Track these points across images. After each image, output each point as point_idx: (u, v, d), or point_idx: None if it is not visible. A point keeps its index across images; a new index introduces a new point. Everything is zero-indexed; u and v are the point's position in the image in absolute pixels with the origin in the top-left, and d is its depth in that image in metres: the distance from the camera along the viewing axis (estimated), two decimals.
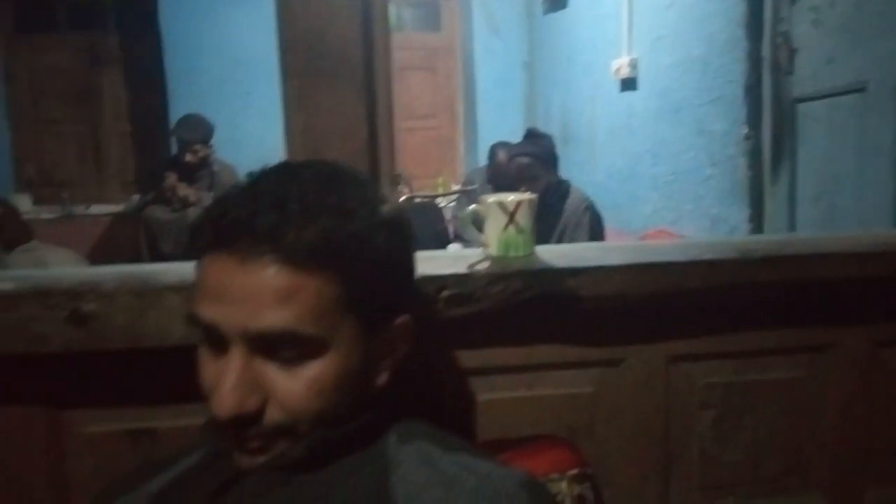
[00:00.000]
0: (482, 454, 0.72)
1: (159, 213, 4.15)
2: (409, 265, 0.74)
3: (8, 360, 0.92)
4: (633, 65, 3.29)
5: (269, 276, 0.61)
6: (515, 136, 3.28)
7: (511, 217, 1.03)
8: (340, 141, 0.91)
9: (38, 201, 5.16)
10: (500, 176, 3.59)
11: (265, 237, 0.61)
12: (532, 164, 2.87)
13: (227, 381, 0.62)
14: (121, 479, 0.79)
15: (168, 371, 0.98)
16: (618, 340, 1.08)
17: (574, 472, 0.89)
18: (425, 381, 0.95)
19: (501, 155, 3.70)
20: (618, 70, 3.43)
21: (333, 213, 0.64)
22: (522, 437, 0.96)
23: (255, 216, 0.61)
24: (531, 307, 0.99)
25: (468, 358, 1.06)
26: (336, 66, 0.94)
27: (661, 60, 3.01)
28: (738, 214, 2.55)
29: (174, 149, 4.51)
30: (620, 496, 1.11)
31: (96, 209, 5.11)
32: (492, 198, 1.05)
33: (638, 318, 1.05)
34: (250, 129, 4.80)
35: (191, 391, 0.98)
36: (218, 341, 0.64)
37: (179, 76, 4.96)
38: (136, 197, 4.91)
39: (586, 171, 3.70)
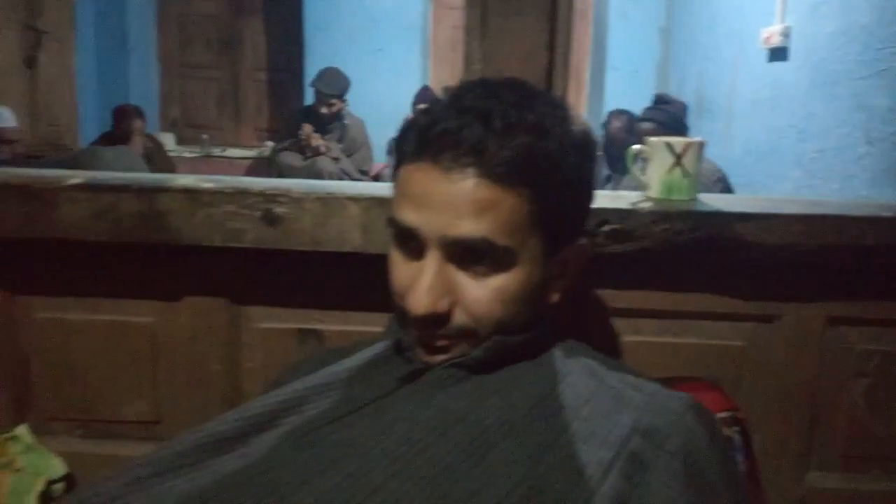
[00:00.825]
0: (644, 376, 0.74)
1: (291, 159, 4.36)
2: (592, 189, 0.76)
3: (203, 253, 1.02)
4: (786, 33, 3.10)
5: (470, 187, 0.64)
6: (644, 105, 3.18)
7: (678, 159, 1.02)
8: (520, 67, 0.93)
9: (180, 141, 5.54)
10: (611, 144, 3.51)
11: (469, 150, 0.64)
12: (655, 131, 2.79)
13: (424, 281, 0.66)
14: (305, 359, 0.87)
15: (340, 277, 1.06)
16: (775, 296, 1.05)
17: (725, 414, 0.89)
18: (572, 312, 0.97)
19: (616, 123, 3.59)
20: (767, 39, 3.24)
21: (531, 130, 0.66)
22: (672, 377, 0.96)
23: (461, 130, 0.64)
24: (691, 251, 0.99)
25: (616, 298, 1.07)
26: None
27: (820, 29, 2.82)
28: (892, 198, 2.37)
29: (308, 99, 4.71)
30: (759, 455, 1.09)
31: (232, 152, 5.43)
32: (659, 139, 1.05)
33: (801, 273, 1.03)
34: (379, 85, 4.92)
35: (358, 299, 1.06)
36: (413, 245, 0.69)
37: (317, 29, 5.13)
38: (268, 143, 5.17)
39: (721, 145, 3.55)
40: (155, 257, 1.05)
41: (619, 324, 1.09)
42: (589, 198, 0.76)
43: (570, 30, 0.97)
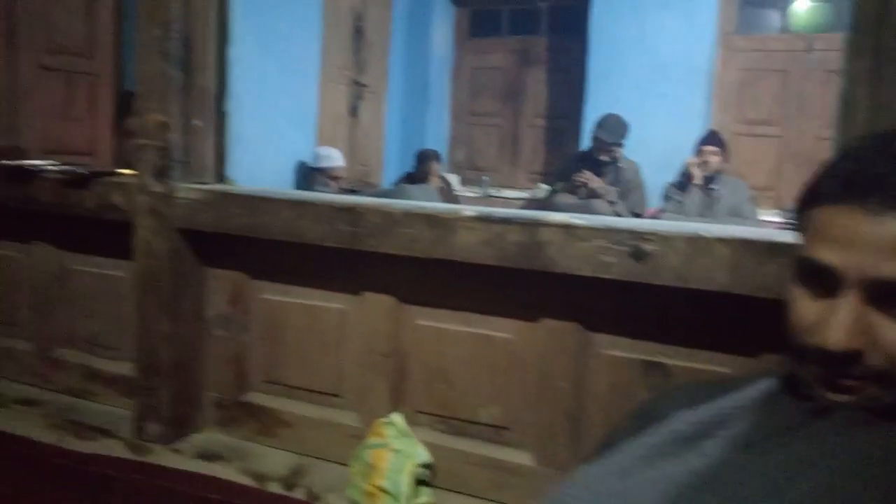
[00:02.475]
0: None
1: (566, 200, 4.52)
2: None
3: (566, 280, 1.14)
4: None
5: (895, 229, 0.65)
6: None
7: None
8: None
9: (464, 182, 6.04)
10: None
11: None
12: None
13: (841, 318, 0.68)
14: (670, 392, 0.93)
15: (694, 315, 1.10)
16: None
17: None
18: None
19: None
20: None
21: None
22: None
23: (891, 175, 0.66)
24: None
25: None
26: None
27: None
28: None
29: (585, 143, 4.85)
30: None
31: (508, 193, 5.77)
32: None
33: None
34: (657, 129, 4.89)
35: (708, 337, 1.10)
36: (825, 284, 0.71)
37: (600, 77, 5.27)
38: (541, 185, 5.41)
39: None
40: (522, 281, 1.20)
41: None
42: None
43: None
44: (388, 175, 5.73)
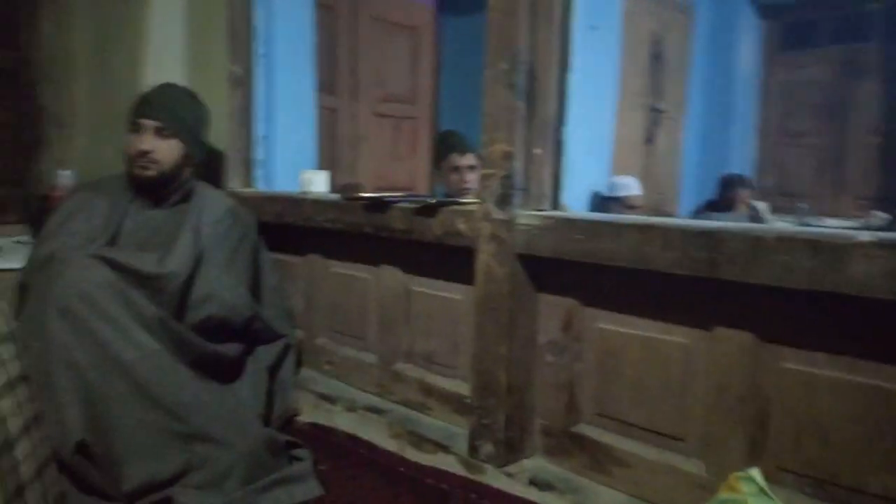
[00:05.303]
0: None
1: None
2: None
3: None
4: None
5: None
6: None
7: None
8: None
9: (774, 210, 5.44)
10: None
11: None
12: None
13: None
14: None
15: None
16: None
17: None
18: None
19: None
20: None
21: None
22: None
23: None
24: None
25: None
26: None
27: None
28: None
29: None
30: None
31: (831, 222, 5.05)
32: None
33: None
34: None
35: None
36: None
37: None
38: (876, 213, 4.63)
39: None
40: None
41: None
42: None
43: None
44: (686, 203, 5.40)
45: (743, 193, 4.37)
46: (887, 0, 5.15)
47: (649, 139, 5.17)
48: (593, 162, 4.65)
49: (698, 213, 4.51)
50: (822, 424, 1.10)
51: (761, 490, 1.15)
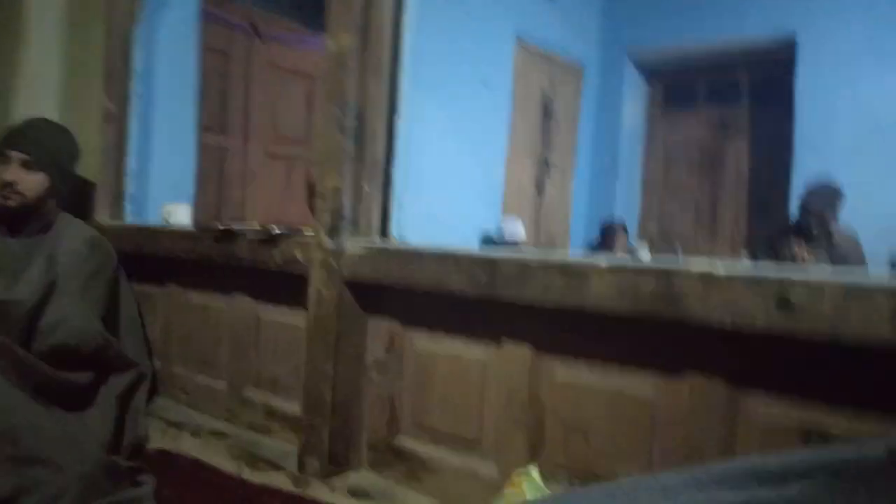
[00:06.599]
0: None
1: None
2: None
3: (708, 333, 1.07)
4: None
5: None
6: None
7: None
8: None
9: (655, 253, 5.82)
10: None
11: None
12: None
13: None
14: None
15: (857, 373, 0.98)
16: None
17: None
18: None
19: None
20: None
21: None
22: None
23: None
24: None
25: None
26: None
27: None
28: None
29: (791, 214, 4.47)
30: None
31: None
32: None
33: None
34: (880, 198, 4.37)
35: (876, 398, 0.96)
36: None
37: (808, 144, 4.89)
38: (743, 258, 5.04)
39: None
40: (664, 333, 1.15)
41: None
42: None
43: None
44: (575, 248, 5.72)
45: (621, 238, 4.69)
46: (754, 68, 5.72)
47: (539, 188, 5.47)
48: (484, 206, 4.89)
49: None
50: (583, 425, 1.26)
51: (537, 485, 1.30)
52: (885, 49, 4.58)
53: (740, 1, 5.34)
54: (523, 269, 1.24)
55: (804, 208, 4.13)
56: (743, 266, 1.07)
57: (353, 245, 1.55)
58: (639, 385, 1.20)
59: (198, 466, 1.77)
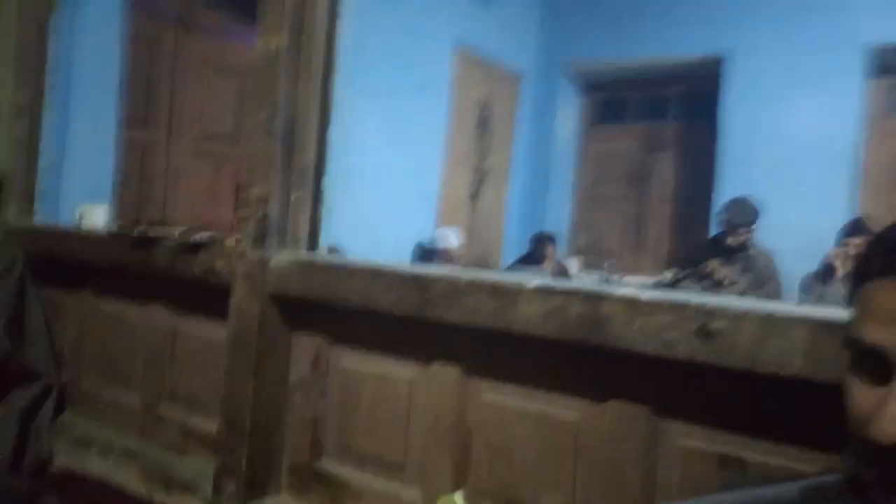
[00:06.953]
0: None
1: (691, 288, 4.29)
2: None
3: (633, 360, 1.08)
4: None
5: None
6: None
7: None
8: None
9: (585, 266, 5.93)
10: None
11: None
12: None
13: (892, 407, 0.59)
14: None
15: (774, 404, 1.00)
16: None
17: None
18: None
19: None
20: None
21: None
22: None
23: None
24: None
25: None
26: None
27: None
28: None
29: (713, 230, 4.63)
30: None
31: (631, 279, 5.58)
32: None
33: None
34: (796, 217, 4.59)
35: (791, 430, 0.98)
36: (877, 369, 0.62)
37: (732, 162, 5.09)
38: (668, 272, 5.19)
39: None
40: (589, 358, 1.15)
41: None
42: None
43: None
44: (509, 256, 5.76)
45: (550, 249, 4.75)
46: (684, 85, 5.91)
47: (474, 196, 5.49)
48: (419, 214, 4.87)
49: (511, 266, 4.83)
50: (508, 449, 1.25)
51: None
52: (803, 74, 4.81)
53: (674, 20, 5.51)
54: (454, 288, 1.22)
55: (721, 222, 4.29)
56: (665, 291, 1.08)
57: (278, 257, 1.50)
58: (563, 409, 1.19)
59: (105, 489, 1.67)
